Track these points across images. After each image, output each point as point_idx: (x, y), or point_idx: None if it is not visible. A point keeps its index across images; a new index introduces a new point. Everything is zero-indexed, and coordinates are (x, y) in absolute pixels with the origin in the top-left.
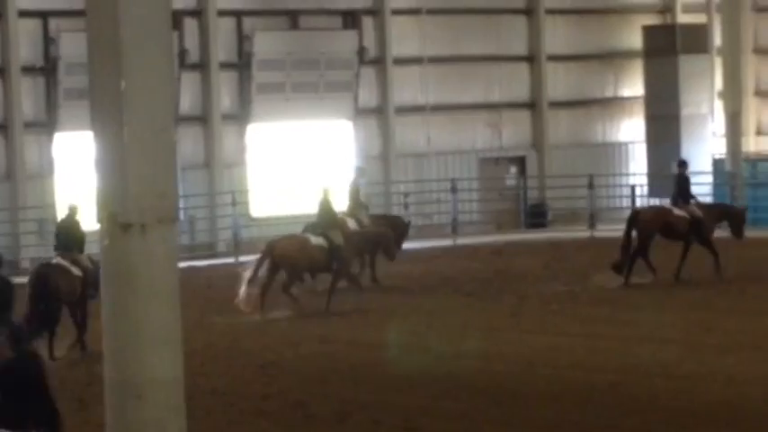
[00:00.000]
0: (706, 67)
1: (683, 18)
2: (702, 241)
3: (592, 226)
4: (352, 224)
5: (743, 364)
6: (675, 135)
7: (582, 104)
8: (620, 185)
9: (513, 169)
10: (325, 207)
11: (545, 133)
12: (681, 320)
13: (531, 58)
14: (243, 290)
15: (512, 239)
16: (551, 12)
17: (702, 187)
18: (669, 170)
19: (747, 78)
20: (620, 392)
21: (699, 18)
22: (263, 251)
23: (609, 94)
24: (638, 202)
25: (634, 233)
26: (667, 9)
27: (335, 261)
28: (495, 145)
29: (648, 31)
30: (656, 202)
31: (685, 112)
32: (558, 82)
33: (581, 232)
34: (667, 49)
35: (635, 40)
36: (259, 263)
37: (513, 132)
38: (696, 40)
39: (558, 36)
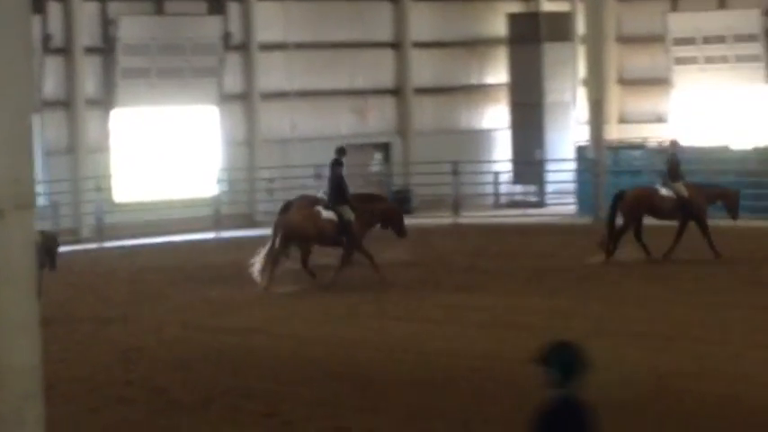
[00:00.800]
0: (569, 55)
1: (546, 6)
2: (696, 221)
3: (456, 212)
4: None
5: (602, 351)
6: (539, 122)
7: (446, 91)
8: (485, 172)
9: (378, 156)
10: (336, 182)
11: (410, 120)
12: (541, 306)
13: (396, 45)
14: (258, 263)
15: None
16: None
17: (565, 174)
18: (532, 157)
19: (610, 66)
20: (483, 378)
21: (562, 6)
22: (275, 225)
23: (473, 81)
24: (502, 189)
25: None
26: None
27: (345, 235)
28: (360, 131)
29: (513, 19)
30: (519, 188)
31: (549, 99)
32: (423, 69)
33: (445, 219)
34: (531, 36)
35: (499, 28)
36: (273, 237)
37: (378, 119)
38: (560, 28)
39: (423, 23)
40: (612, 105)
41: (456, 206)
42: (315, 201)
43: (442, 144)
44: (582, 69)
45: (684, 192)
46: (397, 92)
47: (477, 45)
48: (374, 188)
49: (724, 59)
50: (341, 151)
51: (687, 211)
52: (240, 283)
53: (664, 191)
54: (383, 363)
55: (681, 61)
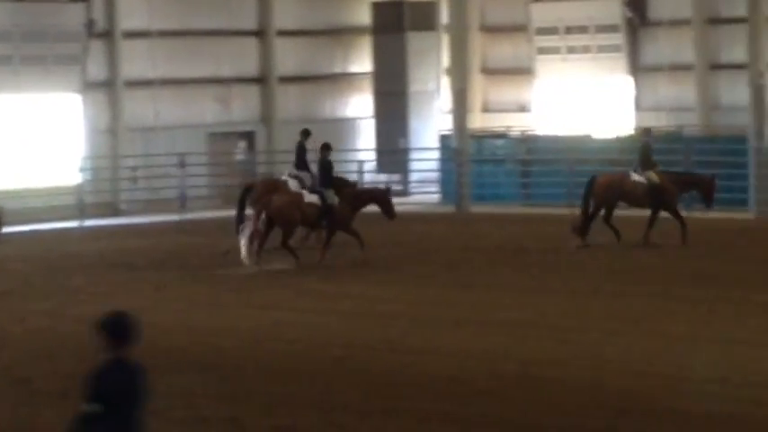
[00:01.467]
0: (433, 44)
1: None
2: (667, 208)
3: None
4: (294, 185)
5: (468, 339)
6: (403, 111)
7: (311, 80)
8: (349, 161)
9: (243, 144)
10: (326, 168)
11: (274, 108)
12: (408, 295)
13: (260, 33)
14: (243, 244)
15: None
16: None
17: (428, 163)
18: (396, 146)
19: (473, 56)
20: (346, 367)
21: None
22: (258, 209)
23: (338, 69)
24: (366, 178)
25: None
26: None
27: (327, 218)
28: (225, 120)
29: (377, 8)
30: (383, 177)
31: (413, 88)
32: (287, 57)
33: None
34: (395, 25)
35: (364, 17)
36: (256, 219)
37: (243, 107)
38: (424, 17)
39: (287, 11)
40: (476, 94)
41: None
42: (276, 183)
43: None
44: (445, 59)
45: (656, 179)
46: (261, 80)
47: (341, 34)
48: (240, 177)
49: (586, 49)
50: (305, 133)
51: (658, 198)
52: (103, 271)
53: (635, 177)
54: (246, 352)
55: (543, 51)
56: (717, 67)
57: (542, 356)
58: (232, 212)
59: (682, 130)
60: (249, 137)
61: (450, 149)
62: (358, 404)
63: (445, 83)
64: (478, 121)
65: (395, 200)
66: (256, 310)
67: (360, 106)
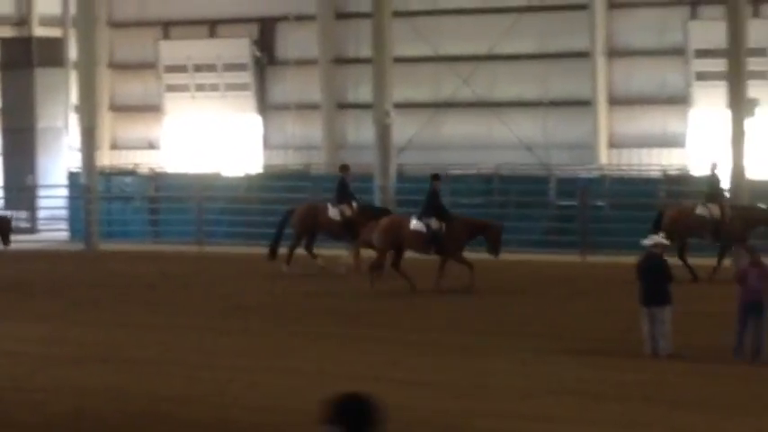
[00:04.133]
0: (61, 80)
1: (39, 31)
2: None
3: None
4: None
5: (95, 376)
6: (31, 148)
7: None
8: None
9: None
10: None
11: None
12: (35, 333)
13: None
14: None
15: None
16: None
17: (57, 200)
18: (24, 182)
19: (102, 93)
20: None
21: (55, 32)
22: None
23: None
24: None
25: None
26: (24, 22)
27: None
28: None
29: (4, 44)
30: (11, 214)
31: (41, 124)
32: None
33: None
34: (23, 61)
35: None
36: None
37: None
38: (52, 53)
39: None
40: (105, 131)
41: None
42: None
43: None
44: (74, 95)
45: (349, 213)
46: None
47: None
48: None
49: (214, 87)
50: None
51: (352, 233)
52: None
53: (332, 211)
54: None
55: (172, 88)
56: (343, 106)
57: (171, 393)
58: None
59: (309, 168)
60: None
61: (79, 186)
62: None
63: (74, 120)
64: (107, 158)
65: (24, 236)
66: None
67: None
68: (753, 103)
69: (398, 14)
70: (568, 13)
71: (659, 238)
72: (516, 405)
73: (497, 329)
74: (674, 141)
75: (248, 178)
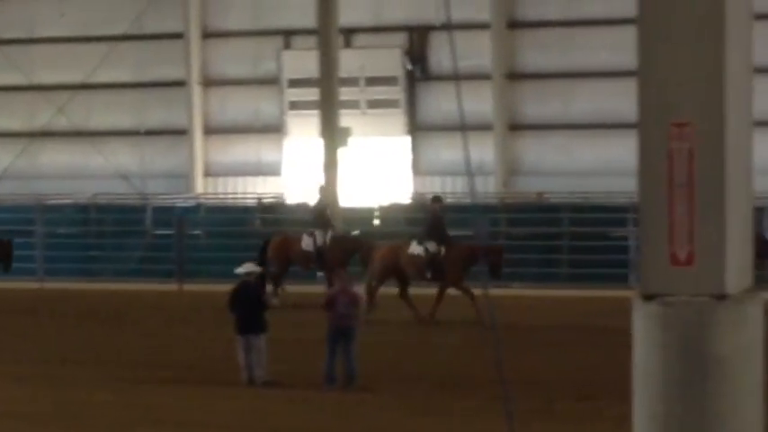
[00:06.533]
0: None
1: None
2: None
3: None
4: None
5: None
6: None
7: None
8: None
9: None
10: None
11: None
12: None
13: None
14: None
15: None
16: None
17: None
18: None
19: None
20: None
21: None
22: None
23: None
24: None
25: None
26: None
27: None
28: None
29: None
30: None
31: None
32: None
33: None
34: None
35: None
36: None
37: None
38: None
39: None
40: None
41: None
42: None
43: None
44: None
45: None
46: None
47: None
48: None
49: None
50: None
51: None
52: None
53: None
54: None
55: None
56: None
57: None
58: None
59: None
60: None
61: None
62: None
63: None
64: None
65: None
66: None
67: None
68: (345, 132)
69: None
70: (164, 42)
71: (252, 266)
72: None
73: (94, 359)
74: (270, 170)
75: None
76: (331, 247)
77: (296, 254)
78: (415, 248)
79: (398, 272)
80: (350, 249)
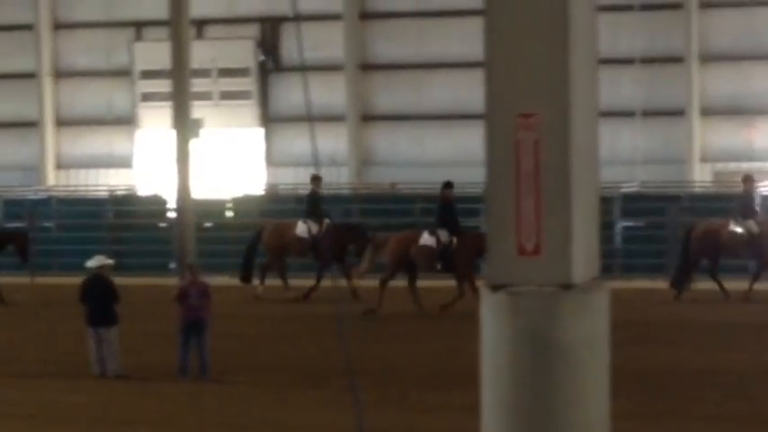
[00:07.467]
0: None
1: None
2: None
3: None
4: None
5: None
6: None
7: None
8: None
9: None
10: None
11: None
12: None
13: None
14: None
15: None
16: None
17: None
18: None
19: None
20: None
21: None
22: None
23: None
24: None
25: None
26: None
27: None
28: None
29: None
30: None
31: None
32: None
33: None
34: None
35: None
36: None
37: None
38: None
39: None
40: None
41: None
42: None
43: None
44: None
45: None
46: None
47: None
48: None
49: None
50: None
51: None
52: None
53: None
54: None
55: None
56: None
57: None
58: None
59: None
60: None
61: None
62: None
63: None
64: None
65: None
66: None
67: None
68: (197, 123)
69: None
70: (14, 33)
71: (104, 259)
72: None
73: None
74: (122, 162)
75: None
76: (327, 235)
77: (290, 240)
78: (427, 239)
79: (409, 263)
80: (346, 238)
